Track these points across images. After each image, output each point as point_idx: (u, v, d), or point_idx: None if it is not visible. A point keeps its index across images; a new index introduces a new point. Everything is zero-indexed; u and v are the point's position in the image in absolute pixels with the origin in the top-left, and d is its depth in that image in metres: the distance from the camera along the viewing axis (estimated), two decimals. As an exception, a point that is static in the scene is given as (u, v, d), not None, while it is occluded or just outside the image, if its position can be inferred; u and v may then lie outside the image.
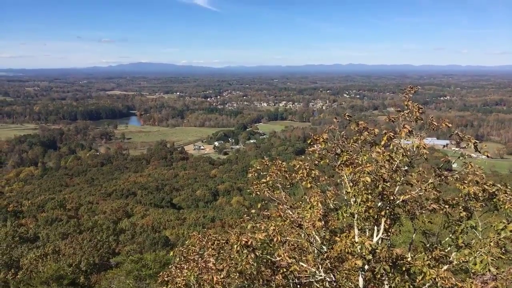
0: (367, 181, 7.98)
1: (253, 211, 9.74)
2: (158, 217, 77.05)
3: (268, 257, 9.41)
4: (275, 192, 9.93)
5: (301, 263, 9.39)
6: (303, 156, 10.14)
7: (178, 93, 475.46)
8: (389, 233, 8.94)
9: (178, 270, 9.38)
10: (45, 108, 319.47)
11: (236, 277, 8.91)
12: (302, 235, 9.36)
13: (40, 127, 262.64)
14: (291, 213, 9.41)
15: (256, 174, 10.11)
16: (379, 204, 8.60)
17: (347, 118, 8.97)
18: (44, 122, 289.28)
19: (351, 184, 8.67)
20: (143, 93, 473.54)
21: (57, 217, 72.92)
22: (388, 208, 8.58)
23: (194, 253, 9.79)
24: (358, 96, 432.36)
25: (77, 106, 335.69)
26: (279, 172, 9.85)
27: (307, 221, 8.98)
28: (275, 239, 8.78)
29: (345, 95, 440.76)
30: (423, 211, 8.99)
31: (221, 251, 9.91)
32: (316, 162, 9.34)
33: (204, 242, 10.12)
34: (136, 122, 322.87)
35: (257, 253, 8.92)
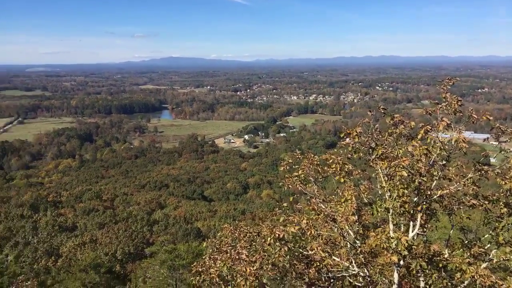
0: (403, 175, 7.81)
1: (284, 204, 9.75)
2: (190, 209, 78.48)
3: (301, 250, 9.42)
4: (307, 186, 9.89)
5: (334, 257, 9.35)
6: (334, 150, 10.03)
7: (208, 87, 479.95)
8: (425, 229, 8.75)
9: (212, 261, 9.54)
10: (82, 102, 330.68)
11: (268, 269, 8.97)
12: (335, 229, 9.30)
13: (77, 121, 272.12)
14: (324, 207, 9.36)
15: (287, 168, 10.08)
16: (415, 199, 8.41)
17: (382, 111, 8.79)
18: (81, 115, 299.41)
19: (386, 178, 8.51)
20: (175, 87, 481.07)
21: (94, 207, 75.63)
22: (424, 203, 8.38)
23: (227, 245, 9.91)
24: (391, 89, 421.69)
25: (112, 100, 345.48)
26: (311, 166, 9.79)
27: (340, 215, 8.91)
28: (308, 233, 8.77)
29: (377, 87, 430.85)
30: (461, 207, 8.73)
31: (253, 243, 9.99)
32: (349, 155, 9.23)
33: (236, 234, 10.23)
34: (168, 116, 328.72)
35: (289, 246, 8.95)
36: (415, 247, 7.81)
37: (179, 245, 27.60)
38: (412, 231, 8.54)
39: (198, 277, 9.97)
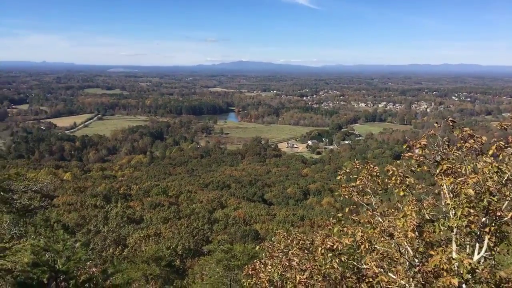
0: (469, 194, 7.25)
1: (339, 214, 9.49)
2: (249, 211, 79.37)
3: (354, 263, 9.11)
4: (364, 197, 9.55)
5: (390, 273, 8.91)
6: (399, 161, 9.57)
7: (275, 91, 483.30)
8: (493, 252, 8.02)
9: (262, 266, 9.57)
10: (155, 102, 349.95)
11: (319, 279, 8.78)
12: (393, 244, 8.87)
13: (150, 119, 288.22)
14: (381, 220, 8.97)
15: (345, 177, 9.81)
16: (483, 219, 7.76)
17: (450, 124, 8.24)
18: (154, 114, 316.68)
19: (451, 195, 7.96)
20: (242, 91, 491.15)
21: (160, 202, 79.33)
22: (494, 224, 7.70)
23: (279, 251, 9.88)
24: (468, 99, 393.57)
25: (183, 101, 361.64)
26: (370, 177, 9.43)
27: (398, 230, 8.48)
28: (362, 247, 8.45)
29: (453, 97, 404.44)
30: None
31: (306, 251, 9.85)
32: (412, 168, 8.76)
33: (289, 241, 10.16)
34: (234, 118, 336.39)
35: (342, 258, 8.69)
36: (479, 271, 7.18)
37: (235, 246, 28.05)
38: (478, 254, 7.88)
39: (249, 280, 10.05)
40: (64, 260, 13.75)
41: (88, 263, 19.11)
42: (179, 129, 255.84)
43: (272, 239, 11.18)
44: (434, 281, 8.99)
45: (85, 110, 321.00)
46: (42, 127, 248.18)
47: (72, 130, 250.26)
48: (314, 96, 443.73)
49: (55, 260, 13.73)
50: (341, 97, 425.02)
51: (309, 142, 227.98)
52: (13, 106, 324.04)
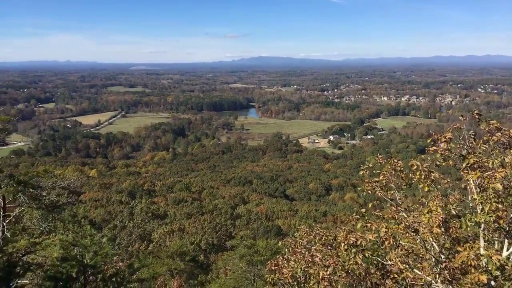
0: (497, 188, 7.06)
1: (363, 210, 9.40)
2: (271, 206, 79.48)
3: (379, 259, 9.02)
4: (388, 192, 9.42)
5: (415, 270, 8.78)
6: (424, 156, 9.39)
7: (295, 86, 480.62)
8: (523, 249, 7.80)
9: (285, 261, 9.59)
10: (177, 99, 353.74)
11: (343, 275, 8.74)
12: (418, 240, 8.74)
13: (172, 116, 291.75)
14: (406, 216, 8.84)
15: (368, 172, 9.69)
16: (513, 215, 7.55)
17: (476, 116, 8.02)
18: (175, 111, 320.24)
19: (478, 190, 7.77)
20: (262, 86, 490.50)
21: (183, 198, 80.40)
22: (524, 220, 7.48)
23: (301, 246, 9.88)
24: (495, 91, 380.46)
25: (203, 98, 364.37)
26: (393, 172, 9.29)
27: (423, 226, 8.35)
28: (386, 242, 8.35)
29: (479, 89, 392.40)
30: None
31: (329, 247, 9.81)
32: (437, 163, 8.59)
33: (311, 237, 10.14)
34: (254, 114, 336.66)
35: (366, 254, 8.62)
36: (508, 267, 7.00)
37: (258, 241, 28.18)
38: (507, 250, 7.68)
39: (272, 275, 10.09)
40: (91, 254, 14.16)
41: (114, 258, 19.58)
42: (201, 126, 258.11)
43: (295, 235, 11.16)
44: (462, 277, 8.83)
45: (109, 108, 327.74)
46: (68, 125, 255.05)
47: (97, 127, 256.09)
48: (335, 90, 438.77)
49: (83, 254, 14.15)
50: (362, 91, 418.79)
51: (331, 137, 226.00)
52: (40, 105, 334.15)
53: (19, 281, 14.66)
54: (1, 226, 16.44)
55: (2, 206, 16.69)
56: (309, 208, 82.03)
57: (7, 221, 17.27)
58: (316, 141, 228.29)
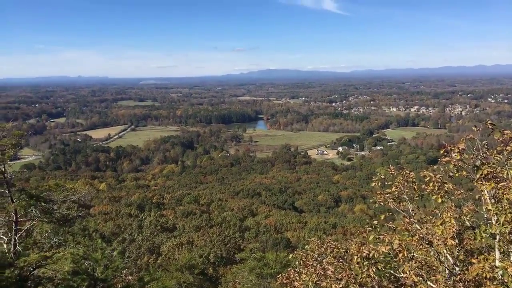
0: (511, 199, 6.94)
1: (375, 222, 9.29)
2: (280, 219, 78.88)
3: (392, 272, 8.87)
4: (401, 204, 9.31)
5: (429, 282, 8.62)
6: (435, 166, 9.29)
7: (303, 98, 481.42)
8: (541, 261, 7.62)
9: (297, 274, 9.47)
10: (186, 112, 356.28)
11: (355, 288, 8.60)
12: (432, 252, 8.60)
13: (181, 129, 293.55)
14: (419, 228, 8.72)
15: (379, 184, 9.61)
16: (529, 226, 7.39)
17: (490, 126, 7.93)
18: (184, 124, 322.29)
19: (492, 201, 7.65)
20: (270, 99, 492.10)
21: (192, 210, 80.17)
22: (540, 231, 7.33)
23: (313, 259, 9.76)
24: (506, 101, 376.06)
25: (212, 111, 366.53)
26: (406, 183, 9.20)
27: (437, 238, 8.22)
28: (400, 255, 8.23)
29: (489, 99, 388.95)
30: None
31: (340, 260, 9.69)
32: (450, 173, 8.49)
33: (323, 249, 10.02)
34: (263, 126, 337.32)
35: (379, 267, 8.49)
36: (525, 281, 6.84)
37: (267, 254, 27.93)
38: (524, 263, 7.50)
39: (283, 289, 9.97)
40: (102, 268, 14.15)
41: (124, 271, 19.55)
42: (209, 138, 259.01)
43: (305, 247, 11.04)
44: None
45: (119, 122, 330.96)
46: (78, 139, 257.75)
47: (107, 141, 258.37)
48: (344, 102, 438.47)
49: (94, 268, 14.15)
50: (371, 102, 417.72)
51: (340, 149, 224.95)
52: (51, 120, 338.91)
53: (30, 295, 14.65)
54: (13, 240, 16.54)
55: (14, 220, 16.81)
56: (318, 220, 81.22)
57: (19, 235, 17.37)
58: (325, 152, 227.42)
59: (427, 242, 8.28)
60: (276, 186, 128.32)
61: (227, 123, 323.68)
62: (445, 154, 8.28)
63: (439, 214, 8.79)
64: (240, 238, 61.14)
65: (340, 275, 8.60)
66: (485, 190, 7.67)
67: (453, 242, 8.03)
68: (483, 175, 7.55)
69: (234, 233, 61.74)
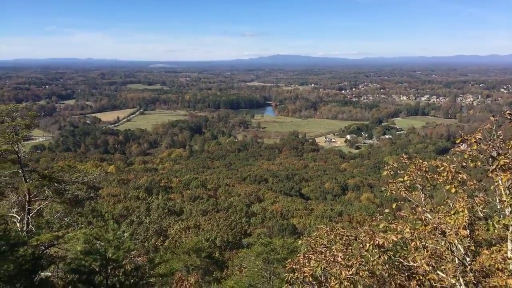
0: (529, 191, 6.88)
1: (386, 210, 9.28)
2: (287, 205, 79.30)
3: (402, 260, 8.90)
4: (412, 193, 9.28)
5: (439, 271, 8.65)
6: (447, 156, 9.21)
7: (312, 85, 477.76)
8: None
9: (306, 260, 9.52)
10: (194, 97, 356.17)
11: (365, 276, 8.65)
12: (443, 242, 8.59)
13: (189, 114, 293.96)
14: (431, 217, 8.70)
15: (391, 172, 9.56)
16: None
17: (508, 117, 7.82)
18: (193, 109, 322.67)
19: (507, 191, 7.59)
20: (280, 85, 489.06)
21: (199, 195, 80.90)
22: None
23: (322, 246, 9.79)
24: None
25: (221, 96, 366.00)
26: (418, 172, 9.15)
27: (449, 228, 8.21)
28: (412, 244, 8.24)
29: (502, 89, 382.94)
30: None
31: (350, 247, 9.71)
32: (464, 164, 8.43)
33: (332, 236, 10.04)
34: (271, 112, 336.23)
35: (390, 255, 8.51)
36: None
37: (274, 239, 28.12)
38: (537, 255, 7.48)
39: (291, 274, 10.04)
40: (114, 249, 14.39)
41: (132, 252, 19.88)
42: (217, 123, 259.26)
43: (314, 234, 11.07)
44: (487, 280, 8.66)
45: (128, 105, 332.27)
46: (87, 122, 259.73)
47: (116, 124, 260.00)
48: (353, 89, 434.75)
49: (106, 249, 14.39)
50: (381, 90, 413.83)
51: (348, 137, 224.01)
52: (61, 101, 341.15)
53: (42, 274, 15.00)
54: (26, 219, 16.86)
55: (27, 199, 17.11)
56: (324, 207, 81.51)
57: (31, 214, 17.70)
58: (333, 140, 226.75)
59: (440, 232, 8.27)
60: (283, 172, 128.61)
61: (235, 109, 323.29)
62: (460, 143, 8.21)
63: (451, 204, 8.75)
64: (246, 223, 61.72)
65: (350, 262, 8.64)
66: (500, 180, 7.61)
67: (466, 232, 8.00)
68: (499, 166, 7.48)
69: (240, 218, 62.34)
